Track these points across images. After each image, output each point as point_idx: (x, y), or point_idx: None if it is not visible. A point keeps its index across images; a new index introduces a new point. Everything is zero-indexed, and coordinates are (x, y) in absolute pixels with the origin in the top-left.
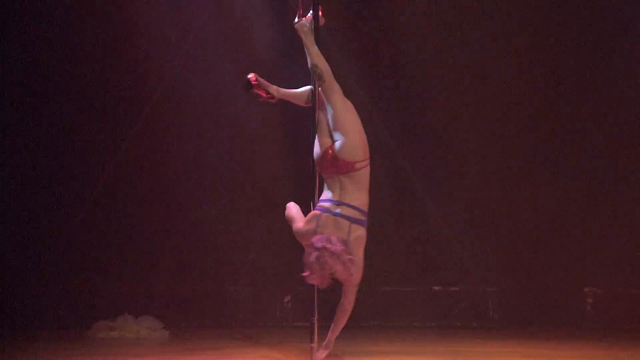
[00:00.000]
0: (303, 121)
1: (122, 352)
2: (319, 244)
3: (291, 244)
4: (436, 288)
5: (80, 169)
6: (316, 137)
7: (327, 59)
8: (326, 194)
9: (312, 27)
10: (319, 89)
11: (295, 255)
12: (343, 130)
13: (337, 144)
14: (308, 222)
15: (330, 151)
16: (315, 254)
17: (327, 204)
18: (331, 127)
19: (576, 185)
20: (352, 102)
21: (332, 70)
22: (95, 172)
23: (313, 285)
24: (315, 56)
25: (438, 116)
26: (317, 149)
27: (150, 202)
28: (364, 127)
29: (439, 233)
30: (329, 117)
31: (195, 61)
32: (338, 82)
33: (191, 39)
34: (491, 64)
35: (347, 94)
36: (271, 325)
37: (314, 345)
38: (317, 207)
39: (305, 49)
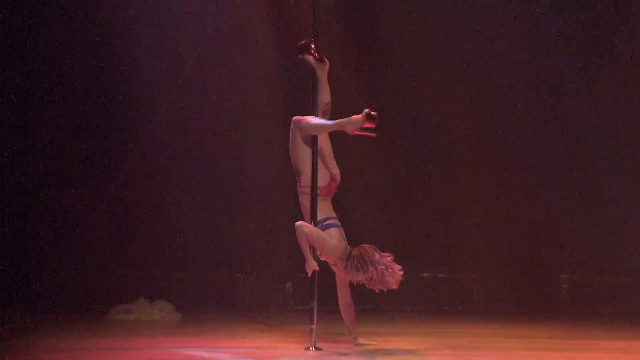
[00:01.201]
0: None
1: (138, 333)
2: (381, 259)
3: (291, 236)
4: (425, 275)
5: (101, 162)
6: (319, 164)
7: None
8: (328, 212)
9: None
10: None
11: (294, 245)
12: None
13: (337, 172)
14: (339, 240)
15: (336, 182)
16: (379, 268)
17: (334, 221)
18: (329, 155)
19: (554, 181)
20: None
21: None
22: (115, 163)
23: (313, 273)
24: (328, 93)
25: (430, 118)
26: (322, 177)
27: (167, 197)
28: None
29: (427, 226)
30: (327, 145)
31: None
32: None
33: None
34: (484, 66)
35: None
36: (274, 309)
37: (314, 327)
38: (332, 225)
39: (319, 85)
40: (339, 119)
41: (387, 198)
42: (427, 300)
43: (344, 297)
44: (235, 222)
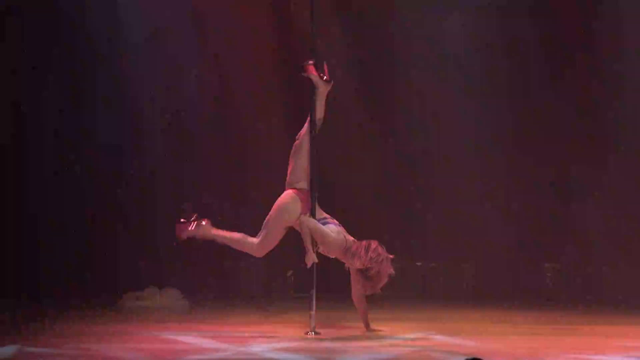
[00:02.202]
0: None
1: (148, 319)
2: (384, 253)
3: (292, 228)
4: (418, 263)
5: (114, 156)
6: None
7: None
8: (319, 214)
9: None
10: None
11: (296, 236)
12: None
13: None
14: (337, 234)
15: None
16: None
17: (332, 220)
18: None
19: (540, 175)
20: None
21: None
22: (128, 156)
23: (312, 264)
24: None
25: (424, 116)
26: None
27: (173, 187)
28: None
29: (421, 217)
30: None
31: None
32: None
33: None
34: (475, 68)
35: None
36: (276, 297)
37: (313, 312)
38: (330, 223)
39: (317, 103)
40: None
41: (381, 188)
42: (420, 287)
43: (357, 290)
44: (238, 213)
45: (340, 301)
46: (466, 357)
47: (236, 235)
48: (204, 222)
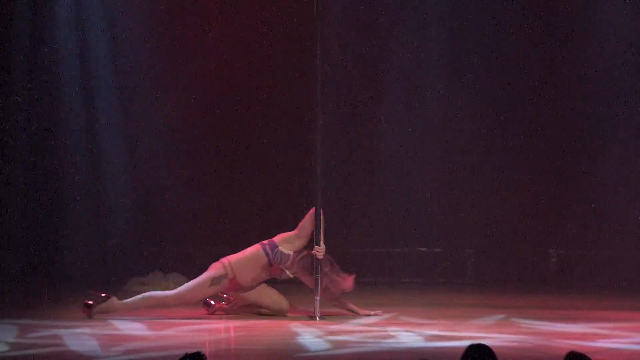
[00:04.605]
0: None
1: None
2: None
3: (299, 216)
4: (422, 249)
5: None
6: None
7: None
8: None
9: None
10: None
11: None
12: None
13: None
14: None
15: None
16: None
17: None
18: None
19: (544, 160)
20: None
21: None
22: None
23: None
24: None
25: (429, 109)
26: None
27: (180, 175)
28: None
29: (425, 204)
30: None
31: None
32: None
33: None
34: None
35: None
36: (282, 282)
37: (318, 297)
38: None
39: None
40: None
41: (388, 176)
42: (424, 273)
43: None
44: (245, 199)
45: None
46: (471, 343)
47: (150, 294)
48: (108, 296)
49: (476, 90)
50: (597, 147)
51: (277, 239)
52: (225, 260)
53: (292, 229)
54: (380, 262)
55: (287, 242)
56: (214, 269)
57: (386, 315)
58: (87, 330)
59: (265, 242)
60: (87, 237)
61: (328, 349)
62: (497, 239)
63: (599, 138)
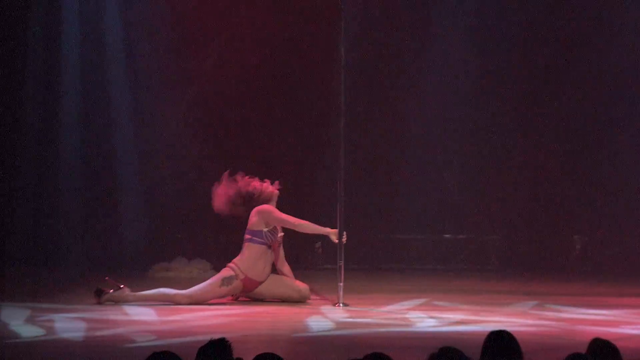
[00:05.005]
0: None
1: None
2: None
3: (320, 204)
4: (446, 236)
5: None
6: None
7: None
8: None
9: None
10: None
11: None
12: None
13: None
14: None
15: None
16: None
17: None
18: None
19: (568, 148)
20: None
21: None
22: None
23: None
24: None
25: (453, 96)
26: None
27: (201, 162)
28: None
29: (450, 192)
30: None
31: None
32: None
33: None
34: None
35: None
36: (304, 268)
37: (341, 284)
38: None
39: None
40: None
41: (412, 163)
42: (448, 260)
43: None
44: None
45: (367, 272)
46: (492, 330)
47: (162, 290)
48: (121, 287)
49: (502, 77)
50: (623, 135)
51: (253, 227)
52: (231, 264)
53: (314, 220)
54: (404, 248)
55: (260, 224)
56: (224, 272)
57: (418, 301)
58: (119, 316)
59: (247, 236)
60: (118, 226)
61: (330, 329)
62: (521, 225)
63: (626, 125)
